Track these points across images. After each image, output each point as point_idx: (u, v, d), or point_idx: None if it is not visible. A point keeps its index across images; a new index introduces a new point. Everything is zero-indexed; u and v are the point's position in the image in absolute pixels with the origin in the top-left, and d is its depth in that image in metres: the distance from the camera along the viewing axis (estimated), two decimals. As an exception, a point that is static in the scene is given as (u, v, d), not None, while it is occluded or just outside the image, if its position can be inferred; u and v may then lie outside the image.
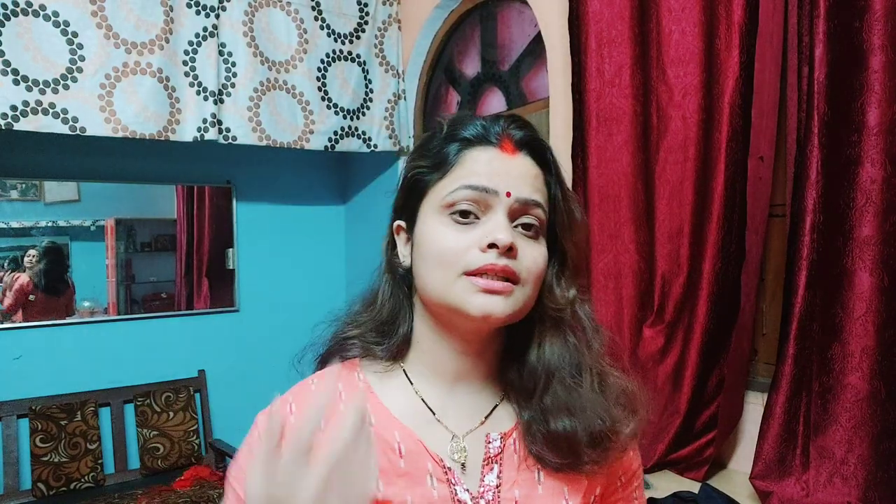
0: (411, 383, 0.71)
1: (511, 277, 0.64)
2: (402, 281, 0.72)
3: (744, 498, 1.52)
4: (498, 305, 0.63)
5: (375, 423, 0.67)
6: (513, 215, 0.66)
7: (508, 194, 0.65)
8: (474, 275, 0.63)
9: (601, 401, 0.69)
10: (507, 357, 0.72)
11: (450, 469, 0.67)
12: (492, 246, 0.63)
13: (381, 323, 0.73)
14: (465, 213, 0.65)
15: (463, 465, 0.68)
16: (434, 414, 0.69)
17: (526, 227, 0.66)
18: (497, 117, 0.70)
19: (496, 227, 0.64)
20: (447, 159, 0.68)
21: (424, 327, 0.71)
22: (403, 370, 0.72)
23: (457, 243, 0.64)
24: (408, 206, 0.71)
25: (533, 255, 0.66)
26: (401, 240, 0.73)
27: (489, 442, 0.69)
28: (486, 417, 0.71)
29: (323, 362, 0.76)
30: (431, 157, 0.69)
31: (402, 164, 3.15)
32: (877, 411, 1.33)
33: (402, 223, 0.72)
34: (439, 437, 0.68)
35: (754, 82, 1.55)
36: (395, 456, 0.66)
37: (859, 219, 1.34)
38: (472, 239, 0.64)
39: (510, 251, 0.63)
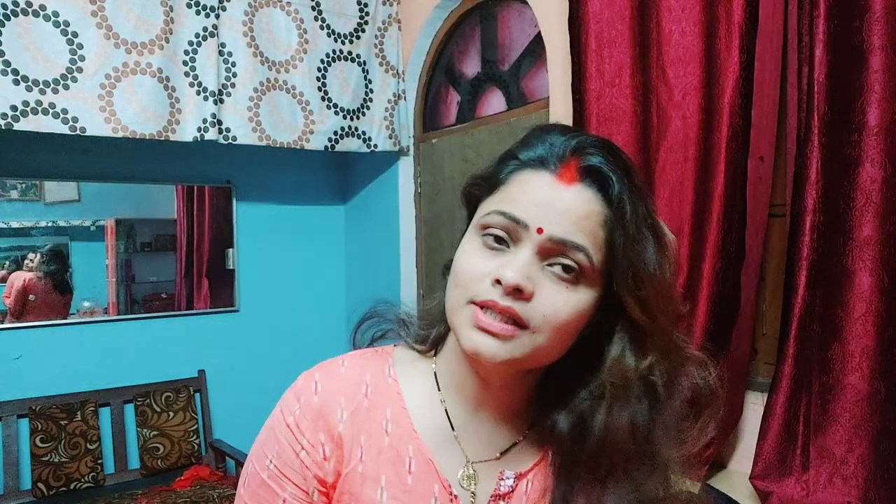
0: (439, 390, 0.68)
1: (517, 321, 0.57)
2: None
3: (744, 498, 1.52)
4: (490, 347, 0.57)
5: (392, 432, 0.66)
6: (545, 254, 0.58)
7: (540, 230, 0.57)
8: (479, 306, 0.58)
9: None
10: (543, 399, 0.66)
11: (456, 497, 0.65)
12: (498, 282, 0.57)
13: (431, 316, 0.72)
14: (498, 239, 0.59)
15: (473, 493, 0.65)
16: (454, 430, 0.67)
17: (565, 268, 0.58)
18: (574, 136, 0.61)
19: (511, 263, 0.57)
20: (499, 177, 0.62)
21: (454, 339, 0.66)
22: (434, 373, 0.69)
23: (474, 269, 0.59)
24: (468, 214, 0.67)
25: (555, 303, 0.57)
26: None
27: (502, 479, 0.66)
28: (503, 453, 0.67)
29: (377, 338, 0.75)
30: (491, 170, 0.64)
31: (402, 164, 3.15)
32: (877, 411, 1.33)
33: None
34: (454, 459, 0.66)
35: (754, 82, 1.55)
36: (403, 470, 0.65)
37: (859, 219, 1.34)
38: (490, 268, 0.58)
39: (520, 293, 0.56)
